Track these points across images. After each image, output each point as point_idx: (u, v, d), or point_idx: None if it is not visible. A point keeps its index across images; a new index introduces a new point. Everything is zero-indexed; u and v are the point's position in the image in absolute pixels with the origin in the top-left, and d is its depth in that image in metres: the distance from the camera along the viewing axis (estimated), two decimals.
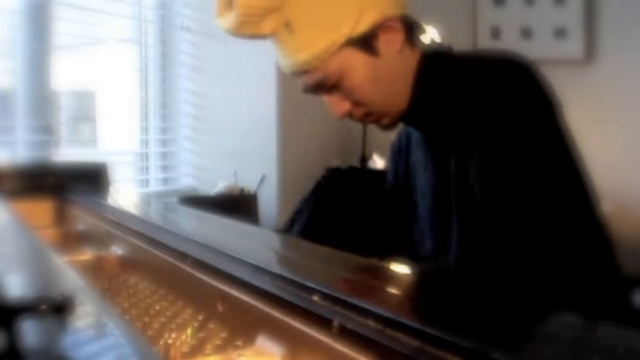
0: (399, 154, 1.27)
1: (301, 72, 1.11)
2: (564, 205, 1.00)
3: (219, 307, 0.81)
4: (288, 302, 0.67)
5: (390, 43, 1.09)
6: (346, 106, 1.12)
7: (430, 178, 1.15)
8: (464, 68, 1.10)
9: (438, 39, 1.19)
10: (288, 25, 1.08)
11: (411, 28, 1.12)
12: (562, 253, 0.98)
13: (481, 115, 1.03)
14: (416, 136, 1.21)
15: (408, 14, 1.13)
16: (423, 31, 1.16)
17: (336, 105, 1.12)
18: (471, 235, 1.04)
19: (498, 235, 0.99)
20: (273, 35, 1.10)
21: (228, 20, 1.09)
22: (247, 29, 1.09)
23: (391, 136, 1.30)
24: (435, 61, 1.12)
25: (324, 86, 1.11)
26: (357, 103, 1.11)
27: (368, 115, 1.13)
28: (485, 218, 1.01)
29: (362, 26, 1.07)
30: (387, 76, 1.10)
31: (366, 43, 1.08)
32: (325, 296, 0.63)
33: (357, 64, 1.08)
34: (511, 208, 0.99)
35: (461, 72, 1.09)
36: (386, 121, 1.14)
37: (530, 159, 1.00)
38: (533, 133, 1.01)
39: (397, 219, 1.27)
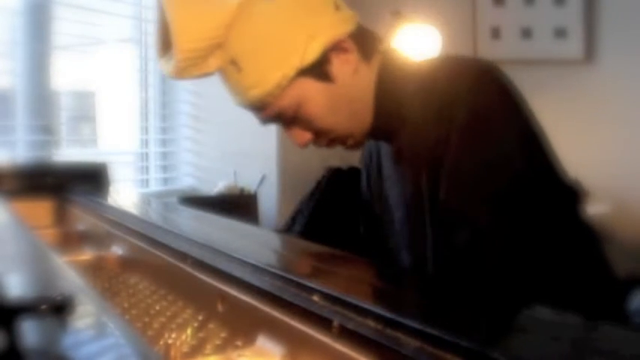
0: (370, 160, 1.24)
1: (255, 108, 1.07)
2: (544, 208, 0.96)
3: (219, 307, 0.81)
4: (288, 302, 0.67)
5: (344, 65, 1.04)
6: (307, 135, 1.08)
7: (401, 192, 1.11)
8: (421, 76, 1.06)
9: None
10: (234, 62, 1.03)
11: (364, 43, 1.07)
12: (548, 255, 0.96)
13: (444, 123, 0.98)
14: (384, 147, 1.17)
15: (361, 26, 1.08)
16: (379, 40, 1.11)
17: (297, 136, 1.09)
18: (445, 245, 0.99)
19: (474, 243, 0.95)
20: (219, 72, 1.06)
21: (169, 65, 1.04)
22: (191, 71, 1.03)
23: None
24: (391, 73, 1.08)
25: (282, 119, 1.07)
26: (318, 132, 1.08)
27: (332, 141, 1.10)
28: (456, 225, 0.96)
29: (312, 54, 1.02)
30: (346, 100, 1.06)
31: (318, 70, 1.03)
32: (325, 296, 0.63)
33: (312, 93, 1.04)
34: (480, 211, 0.95)
35: (418, 81, 1.05)
36: (351, 142, 1.11)
37: (500, 160, 0.96)
38: (497, 133, 0.97)
39: (372, 226, 1.25)
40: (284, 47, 1.02)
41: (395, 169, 1.13)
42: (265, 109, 1.06)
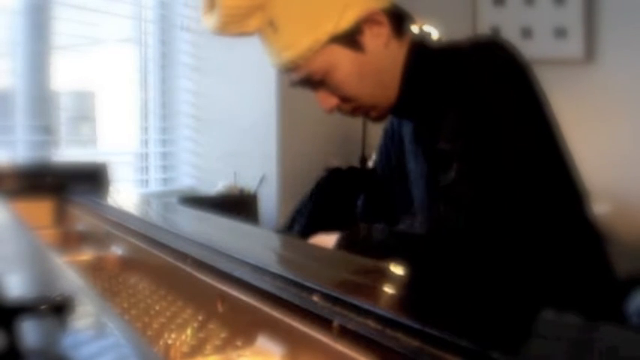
0: (392, 139, 1.27)
1: (287, 69, 1.11)
2: (550, 202, 0.98)
3: (219, 307, 0.81)
4: (288, 302, 0.67)
5: (376, 38, 1.08)
6: (333, 101, 1.12)
7: (422, 169, 1.15)
8: (446, 57, 1.09)
9: (431, 30, 1.17)
10: (271, 23, 1.07)
11: (397, 20, 1.11)
12: (552, 254, 0.96)
13: (463, 101, 1.02)
14: (406, 125, 1.21)
15: (396, 5, 1.13)
16: (412, 21, 1.15)
17: (323, 100, 1.13)
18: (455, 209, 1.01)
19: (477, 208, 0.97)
20: (258, 33, 1.10)
21: (212, 20, 1.09)
22: (232, 29, 1.08)
23: None
24: (422, 53, 1.12)
25: (311, 82, 1.11)
26: (344, 98, 1.12)
27: (356, 109, 1.14)
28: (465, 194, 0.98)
29: (345, 22, 1.06)
30: (374, 71, 1.10)
31: (350, 39, 1.07)
32: (325, 296, 0.63)
33: (342, 60, 1.08)
34: (494, 188, 0.97)
35: (444, 61, 1.09)
36: (374, 114, 1.15)
37: (512, 136, 0.99)
38: (512, 109, 1.00)
39: (389, 206, 1.27)
40: (320, 12, 1.06)
41: (416, 146, 1.17)
42: (296, 71, 1.10)
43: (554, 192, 0.99)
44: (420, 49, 1.12)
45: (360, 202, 1.34)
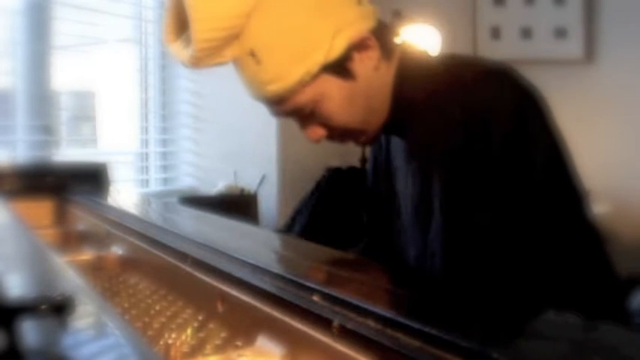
0: (380, 151, 1.21)
1: (272, 102, 1.04)
2: (553, 209, 0.96)
3: (219, 307, 0.81)
4: (288, 302, 0.67)
5: (366, 62, 1.02)
6: (320, 132, 1.06)
7: (410, 187, 1.10)
8: (440, 76, 1.04)
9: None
10: (252, 54, 0.99)
11: (385, 39, 1.05)
12: (553, 256, 0.96)
13: (465, 126, 0.97)
14: (396, 140, 1.15)
15: (380, 20, 1.05)
16: (396, 34, 1.09)
17: (310, 132, 1.06)
18: (457, 243, 0.99)
19: (486, 243, 0.95)
20: (235, 62, 1.02)
21: (185, 54, 1.01)
22: (207, 61, 1.00)
23: None
24: (410, 70, 1.06)
25: (298, 114, 1.05)
26: (332, 128, 1.06)
27: (345, 136, 1.08)
28: (471, 226, 0.96)
29: (336, 50, 0.98)
30: (364, 97, 1.03)
31: (340, 67, 1.00)
32: (325, 296, 0.63)
33: (332, 90, 1.01)
34: (500, 217, 0.95)
35: (437, 80, 1.03)
36: (364, 138, 1.09)
37: (518, 167, 0.96)
38: (519, 140, 0.96)
39: (380, 219, 1.24)
40: (308, 41, 0.98)
41: (406, 163, 1.12)
42: (282, 104, 1.03)
43: (558, 198, 0.98)
44: (408, 64, 1.06)
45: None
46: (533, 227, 0.95)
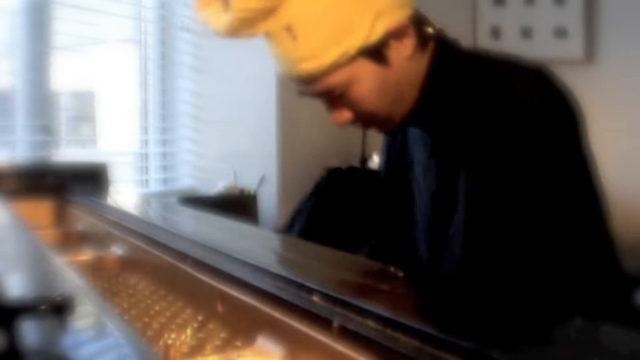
0: (394, 142, 1.20)
1: (303, 81, 1.02)
2: (577, 213, 0.97)
3: (219, 308, 0.81)
4: (288, 302, 0.67)
5: (402, 50, 1.01)
6: (347, 115, 1.04)
7: (431, 182, 1.09)
8: (480, 72, 1.03)
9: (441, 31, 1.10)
10: (289, 29, 0.97)
11: (420, 28, 1.04)
12: (569, 257, 0.96)
13: (499, 127, 0.96)
14: (415, 132, 1.14)
15: (416, 9, 1.04)
16: (430, 25, 1.07)
17: (337, 114, 1.05)
18: (477, 247, 0.98)
19: (508, 240, 0.95)
20: (268, 36, 1.00)
21: (219, 21, 0.99)
22: (242, 32, 0.98)
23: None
24: (445, 62, 1.05)
25: (328, 95, 1.03)
26: (360, 113, 1.04)
27: (370, 123, 1.08)
28: (496, 222, 0.96)
29: (375, 35, 0.97)
30: (395, 85, 1.02)
31: (377, 52, 0.99)
32: (325, 296, 0.63)
33: (365, 75, 1.00)
34: (524, 225, 0.95)
35: (475, 76, 1.02)
36: (388, 126, 1.08)
37: (548, 179, 0.96)
38: (553, 153, 0.96)
39: (392, 212, 1.23)
40: (349, 23, 0.96)
41: (427, 156, 1.10)
42: (313, 84, 1.01)
43: (583, 204, 0.98)
44: (443, 57, 1.05)
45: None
46: (555, 228, 0.95)
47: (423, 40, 1.04)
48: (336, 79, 0.99)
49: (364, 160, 2.80)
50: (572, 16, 2.79)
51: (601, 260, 0.99)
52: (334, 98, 1.03)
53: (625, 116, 2.69)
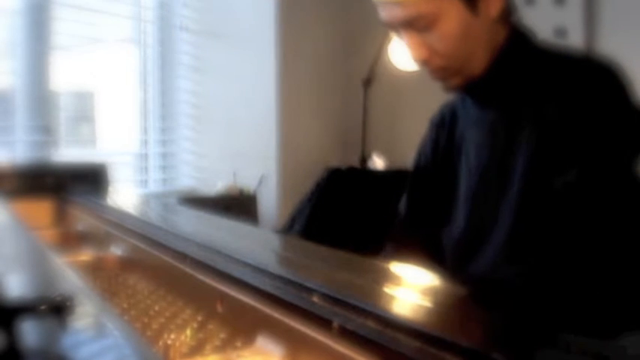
0: (442, 128, 1.24)
1: (395, 3, 1.06)
2: (626, 202, 1.00)
3: (219, 308, 0.81)
4: (288, 302, 0.67)
5: (492, 6, 1.07)
6: (425, 52, 1.08)
7: (484, 159, 1.13)
8: (550, 60, 1.08)
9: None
10: None
11: (508, 1, 1.11)
12: (614, 241, 0.98)
13: (573, 119, 1.01)
14: (465, 113, 1.19)
15: None
16: (515, 11, 1.14)
17: (416, 49, 1.08)
18: (532, 212, 1.02)
19: (561, 216, 0.98)
20: None
21: None
22: None
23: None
24: (521, 43, 1.11)
25: (412, 25, 1.07)
26: (437, 53, 1.08)
27: (441, 70, 1.10)
28: (551, 198, 1.00)
29: None
30: (476, 38, 1.07)
31: None
32: (325, 296, 0.63)
33: (454, 14, 1.05)
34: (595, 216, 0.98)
35: (545, 63, 1.08)
36: (455, 81, 1.11)
37: (609, 153, 1.00)
38: (620, 149, 1.00)
39: (426, 194, 1.25)
40: None
41: (484, 134, 1.14)
42: (401, 8, 1.06)
43: (633, 192, 1.01)
44: (523, 39, 1.12)
45: (403, 202, 1.30)
46: (606, 213, 0.98)
47: (508, 10, 1.11)
48: (426, 8, 1.04)
49: (364, 160, 2.80)
50: (572, 16, 2.79)
51: None
52: (415, 32, 1.07)
53: None
